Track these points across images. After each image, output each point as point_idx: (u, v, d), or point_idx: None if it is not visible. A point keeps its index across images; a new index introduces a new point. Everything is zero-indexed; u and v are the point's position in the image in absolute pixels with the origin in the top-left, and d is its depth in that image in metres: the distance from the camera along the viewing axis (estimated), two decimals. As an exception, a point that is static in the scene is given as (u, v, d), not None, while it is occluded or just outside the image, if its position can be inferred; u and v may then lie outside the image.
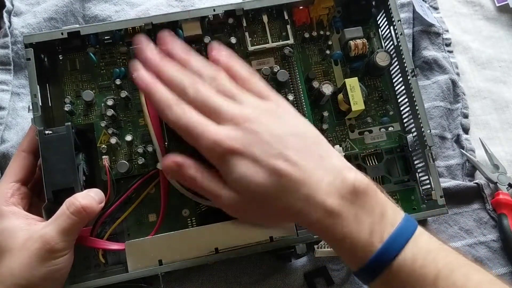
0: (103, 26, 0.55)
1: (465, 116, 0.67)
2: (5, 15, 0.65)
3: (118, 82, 0.55)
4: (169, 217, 0.54)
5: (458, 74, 0.69)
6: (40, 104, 0.53)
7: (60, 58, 0.57)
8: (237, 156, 0.40)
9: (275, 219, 0.44)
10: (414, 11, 0.69)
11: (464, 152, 0.64)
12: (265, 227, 0.52)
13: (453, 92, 0.67)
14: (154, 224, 0.54)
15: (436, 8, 0.74)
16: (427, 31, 0.70)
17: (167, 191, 0.54)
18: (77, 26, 0.55)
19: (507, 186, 0.63)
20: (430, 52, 0.69)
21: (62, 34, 0.54)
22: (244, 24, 0.57)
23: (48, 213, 0.50)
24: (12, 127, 0.61)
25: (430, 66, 0.68)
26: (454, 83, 0.68)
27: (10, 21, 0.65)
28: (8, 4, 0.66)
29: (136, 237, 0.53)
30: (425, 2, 0.73)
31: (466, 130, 0.66)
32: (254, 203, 0.42)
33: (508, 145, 0.68)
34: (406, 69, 0.56)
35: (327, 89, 0.56)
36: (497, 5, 0.74)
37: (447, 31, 0.72)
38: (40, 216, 0.50)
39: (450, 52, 0.71)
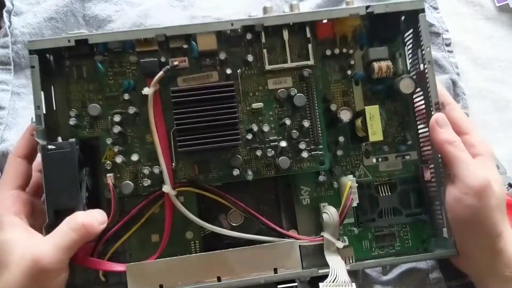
0: (113, 35, 0.51)
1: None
2: (5, 14, 0.64)
3: (126, 97, 0.52)
4: (172, 239, 0.53)
5: (458, 74, 0.69)
6: (44, 112, 0.50)
7: (67, 64, 0.54)
8: None
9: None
10: None
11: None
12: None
13: (453, 92, 0.67)
14: (157, 244, 0.53)
15: (436, 8, 0.73)
16: None
17: (171, 212, 0.52)
18: (86, 33, 0.51)
19: (507, 186, 0.63)
20: None
21: (69, 41, 0.51)
22: (263, 41, 0.54)
23: (49, 232, 0.48)
24: (12, 127, 0.61)
25: None
26: (454, 83, 0.67)
27: (10, 21, 0.64)
28: (8, 3, 0.65)
29: (139, 257, 0.52)
30: (425, 2, 0.72)
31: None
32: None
33: (508, 145, 0.68)
34: (430, 100, 0.53)
35: (345, 115, 0.54)
36: (497, 5, 0.74)
37: (447, 31, 0.71)
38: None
39: (450, 52, 0.70)
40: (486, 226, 0.49)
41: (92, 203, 0.51)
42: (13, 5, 0.65)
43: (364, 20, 0.56)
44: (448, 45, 0.71)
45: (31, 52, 0.50)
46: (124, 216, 0.52)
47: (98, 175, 0.54)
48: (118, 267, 0.51)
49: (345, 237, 0.56)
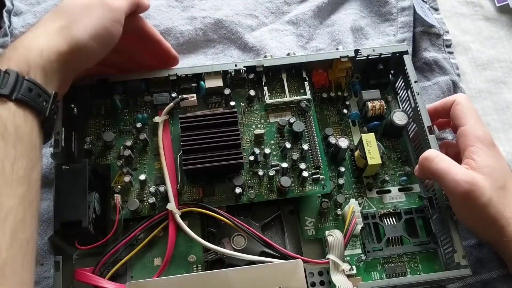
0: (130, 75, 0.58)
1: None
2: (5, 14, 0.66)
3: (139, 125, 0.57)
4: (174, 262, 0.52)
5: (458, 75, 0.69)
6: (63, 145, 0.54)
7: (89, 104, 0.60)
8: None
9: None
10: (414, 12, 0.71)
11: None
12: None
13: (454, 93, 0.67)
14: (158, 268, 0.52)
15: (436, 9, 0.75)
16: (427, 32, 0.71)
17: (175, 233, 0.53)
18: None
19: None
20: (430, 53, 0.69)
21: (92, 80, 0.57)
22: (264, 80, 0.60)
23: (53, 245, 0.49)
24: None
25: (430, 67, 0.69)
26: (454, 84, 0.68)
27: (10, 21, 0.66)
28: (8, 3, 0.67)
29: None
30: (426, 3, 0.75)
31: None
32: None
33: (509, 145, 0.66)
34: (423, 125, 0.56)
35: (343, 142, 0.56)
36: (497, 5, 0.75)
37: (448, 32, 0.73)
38: None
39: (451, 53, 0.71)
40: (486, 224, 0.49)
41: (98, 227, 0.52)
42: (13, 5, 0.67)
43: (355, 69, 0.62)
44: (448, 46, 0.72)
45: (57, 89, 0.56)
46: (127, 236, 0.52)
47: (107, 206, 0.55)
48: (118, 286, 0.49)
49: (353, 266, 0.54)
